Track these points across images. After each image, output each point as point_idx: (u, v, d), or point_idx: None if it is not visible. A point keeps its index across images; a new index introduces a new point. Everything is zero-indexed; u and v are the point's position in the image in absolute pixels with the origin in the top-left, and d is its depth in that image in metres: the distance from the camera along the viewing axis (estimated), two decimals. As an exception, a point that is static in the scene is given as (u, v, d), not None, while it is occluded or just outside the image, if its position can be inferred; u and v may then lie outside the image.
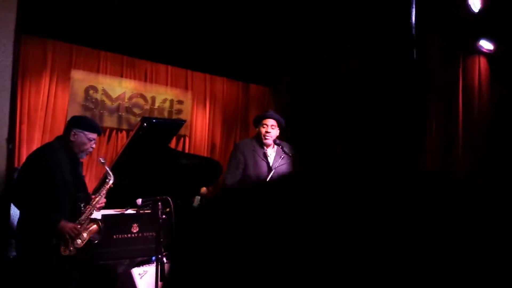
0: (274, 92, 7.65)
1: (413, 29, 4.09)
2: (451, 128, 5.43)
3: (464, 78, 5.55)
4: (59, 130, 5.05)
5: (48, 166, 3.21)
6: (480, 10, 4.89)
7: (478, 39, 5.54)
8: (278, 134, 3.98)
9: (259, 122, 3.99)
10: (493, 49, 5.62)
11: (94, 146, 3.48)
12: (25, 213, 3.20)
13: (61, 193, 3.25)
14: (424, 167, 5.18)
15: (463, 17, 5.06)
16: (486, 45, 5.59)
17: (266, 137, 3.90)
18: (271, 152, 3.98)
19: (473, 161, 5.49)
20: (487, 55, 5.75)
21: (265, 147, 3.96)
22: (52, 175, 3.21)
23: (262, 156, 3.92)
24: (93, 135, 3.41)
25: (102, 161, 3.55)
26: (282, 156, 3.87)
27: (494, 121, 5.78)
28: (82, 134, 3.36)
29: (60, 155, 3.30)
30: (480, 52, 5.69)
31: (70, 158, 3.35)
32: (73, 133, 3.35)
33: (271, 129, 3.92)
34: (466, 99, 5.54)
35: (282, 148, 3.89)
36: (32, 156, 3.33)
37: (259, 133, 3.95)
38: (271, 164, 3.90)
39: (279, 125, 3.99)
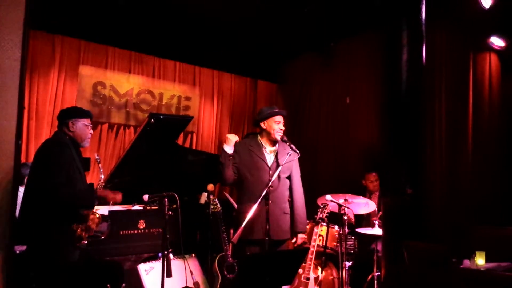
0: (282, 88, 7.63)
1: (423, 25, 4.03)
2: (461, 126, 5.36)
3: (474, 75, 5.47)
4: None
5: (65, 160, 3.25)
6: (491, 6, 4.83)
7: (489, 36, 5.47)
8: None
9: (268, 117, 3.92)
10: (504, 45, 5.55)
11: (92, 131, 3.56)
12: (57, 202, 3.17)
13: (79, 183, 3.32)
14: (433, 166, 5.13)
15: (473, 13, 4.99)
16: (497, 41, 5.52)
17: (280, 133, 3.88)
18: (271, 151, 3.94)
19: (483, 159, 5.44)
20: (498, 52, 5.68)
21: (264, 146, 3.93)
22: (70, 168, 3.26)
23: (260, 156, 3.88)
24: (88, 121, 3.50)
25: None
26: (290, 153, 3.83)
27: (505, 119, 5.72)
28: (79, 122, 3.43)
29: (71, 149, 3.33)
30: (491, 48, 5.63)
31: (76, 150, 3.39)
32: (71, 123, 3.39)
33: (283, 125, 3.91)
34: (476, 96, 5.47)
35: (289, 144, 3.86)
36: (46, 151, 3.33)
37: (269, 128, 3.90)
38: (269, 164, 3.86)
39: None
